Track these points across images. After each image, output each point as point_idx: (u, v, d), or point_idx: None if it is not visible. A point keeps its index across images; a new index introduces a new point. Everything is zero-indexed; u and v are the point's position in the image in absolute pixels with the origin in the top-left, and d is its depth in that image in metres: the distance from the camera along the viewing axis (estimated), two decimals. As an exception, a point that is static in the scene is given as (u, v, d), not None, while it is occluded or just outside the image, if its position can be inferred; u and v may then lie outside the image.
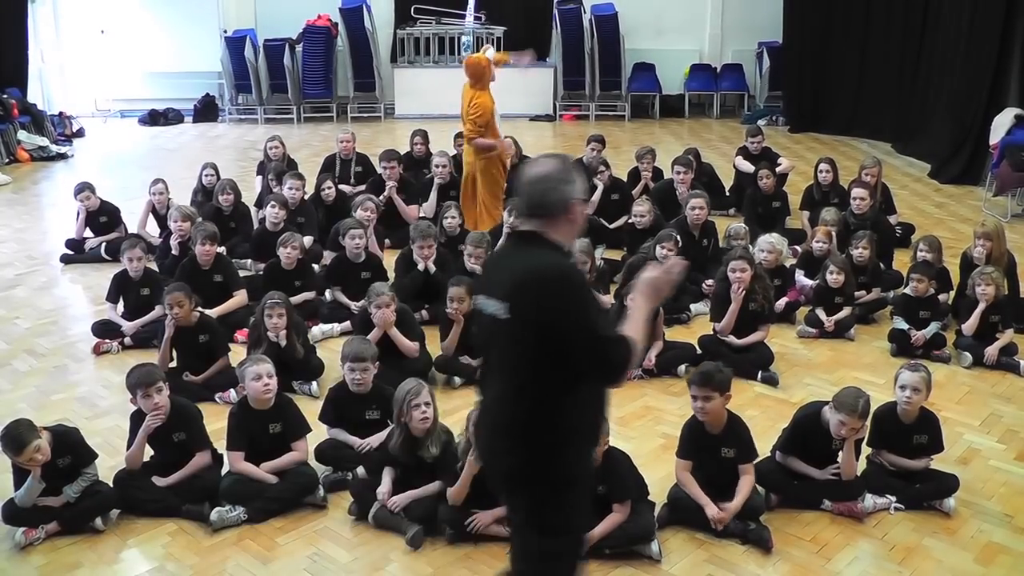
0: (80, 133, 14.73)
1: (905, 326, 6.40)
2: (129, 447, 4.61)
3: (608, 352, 2.83)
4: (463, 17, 15.49)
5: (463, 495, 4.28)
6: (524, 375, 2.88)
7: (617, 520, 4.18)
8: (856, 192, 7.98)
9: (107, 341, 6.50)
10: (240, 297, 6.76)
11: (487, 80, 8.20)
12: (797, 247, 8.08)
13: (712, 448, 4.39)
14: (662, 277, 3.04)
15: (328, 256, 7.59)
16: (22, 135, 13.12)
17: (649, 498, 4.41)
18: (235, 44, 15.04)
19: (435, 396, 4.55)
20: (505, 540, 4.24)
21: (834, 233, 7.50)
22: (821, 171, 8.88)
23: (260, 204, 8.45)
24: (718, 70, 16.36)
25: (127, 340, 6.51)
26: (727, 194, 9.78)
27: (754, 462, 4.47)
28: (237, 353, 5.86)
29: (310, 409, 5.02)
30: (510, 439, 2.94)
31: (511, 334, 2.88)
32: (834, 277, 6.72)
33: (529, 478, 2.92)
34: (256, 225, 8.19)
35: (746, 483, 4.37)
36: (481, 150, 8.25)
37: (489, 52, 8.64)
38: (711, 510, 4.28)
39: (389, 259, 7.47)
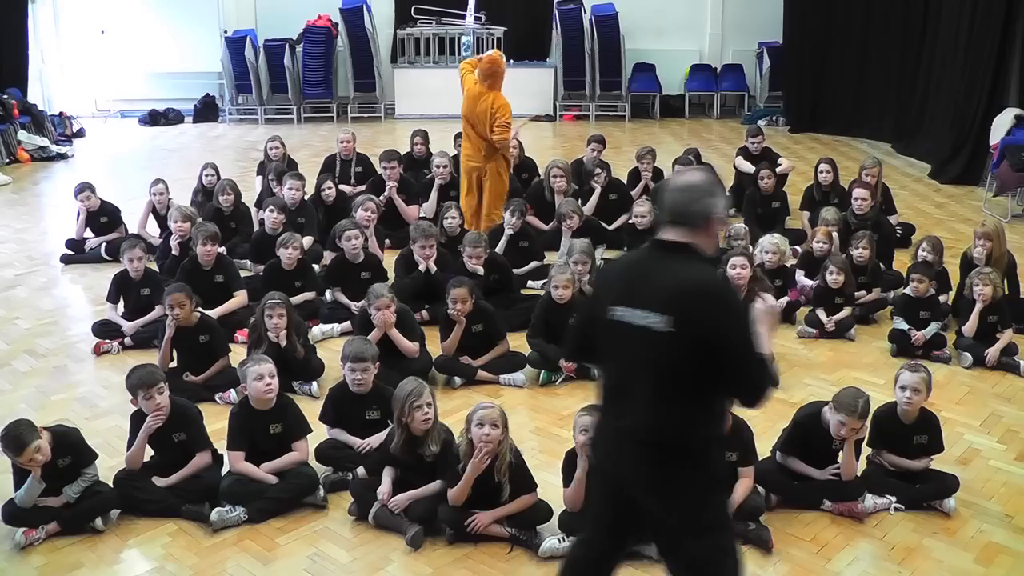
0: (80, 133, 14.73)
1: (905, 326, 6.40)
2: (129, 447, 4.61)
3: (762, 371, 2.91)
4: (463, 17, 15.49)
5: (464, 497, 4.27)
6: (678, 386, 2.89)
7: None
8: (857, 192, 7.98)
9: (107, 341, 6.50)
10: (240, 297, 6.76)
11: (502, 81, 8.10)
12: (797, 247, 8.08)
13: None
14: (774, 310, 3.25)
15: (328, 256, 7.59)
16: (22, 135, 13.12)
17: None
18: (235, 44, 15.04)
19: (435, 396, 4.54)
20: (504, 540, 4.27)
21: (834, 233, 7.50)
22: (821, 171, 8.88)
23: (260, 204, 8.45)
24: (718, 70, 16.35)
25: (127, 340, 6.51)
26: (727, 194, 9.77)
27: (754, 464, 4.47)
28: (237, 353, 5.86)
29: (310, 409, 5.02)
30: (663, 448, 2.93)
31: (670, 346, 2.85)
32: (834, 277, 6.72)
33: (686, 484, 2.95)
34: (256, 226, 8.19)
35: (743, 485, 4.36)
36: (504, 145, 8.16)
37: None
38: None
39: (389, 259, 7.47)
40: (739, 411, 5.30)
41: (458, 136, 9.69)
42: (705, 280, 2.91)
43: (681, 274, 2.90)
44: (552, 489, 4.43)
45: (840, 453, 4.50)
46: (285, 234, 6.99)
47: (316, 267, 7.45)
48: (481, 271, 6.83)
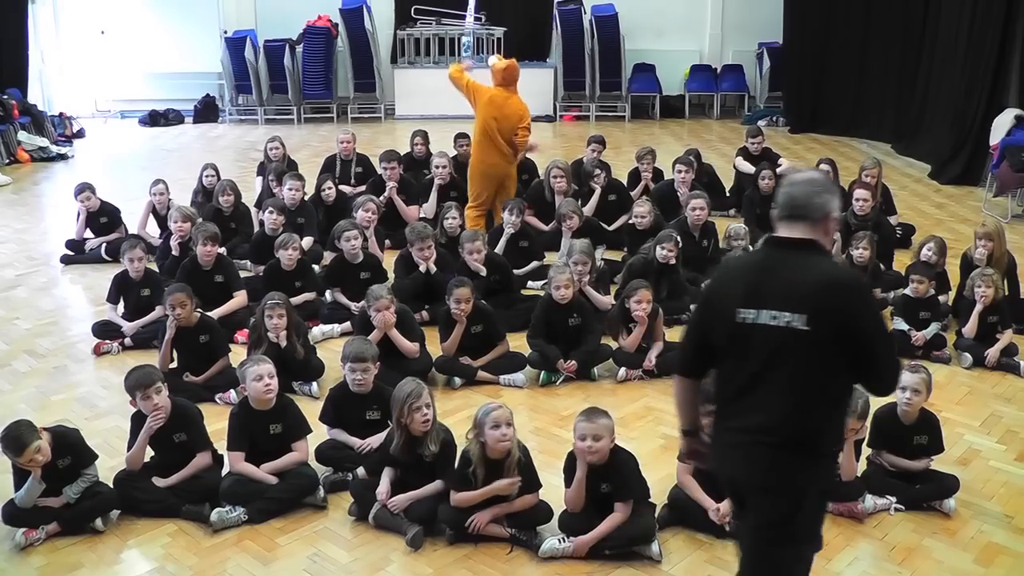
0: (80, 134, 14.73)
1: (905, 327, 6.40)
2: (130, 448, 4.61)
3: (896, 360, 3.01)
4: (463, 18, 15.50)
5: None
6: (819, 384, 2.91)
7: (618, 520, 4.18)
8: (859, 193, 7.98)
9: (107, 342, 6.50)
10: (240, 298, 6.76)
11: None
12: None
13: None
14: None
15: (328, 257, 7.59)
16: (22, 136, 13.13)
17: (650, 500, 4.41)
18: (235, 44, 15.04)
19: (434, 396, 4.54)
20: (504, 541, 4.27)
21: (834, 233, 7.49)
22: (821, 171, 8.87)
23: (260, 205, 8.45)
24: (718, 71, 16.37)
25: (127, 341, 6.51)
26: (727, 195, 9.79)
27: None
28: (237, 354, 5.86)
29: (310, 410, 5.02)
30: (789, 448, 2.92)
31: (812, 344, 2.86)
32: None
33: (815, 490, 2.98)
34: (256, 226, 8.19)
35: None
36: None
37: (492, 59, 8.72)
38: (715, 505, 4.28)
39: (389, 260, 7.47)
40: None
41: (459, 136, 9.72)
42: (841, 275, 3.01)
43: (814, 271, 2.92)
44: (553, 490, 4.43)
45: (840, 454, 4.50)
46: (284, 235, 6.99)
47: (316, 267, 7.45)
48: (483, 270, 6.82)
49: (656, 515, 4.37)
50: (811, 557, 3.09)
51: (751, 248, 7.04)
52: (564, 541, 4.20)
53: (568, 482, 4.28)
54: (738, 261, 3.24)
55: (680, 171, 8.76)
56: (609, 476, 4.20)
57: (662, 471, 4.67)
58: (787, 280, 2.91)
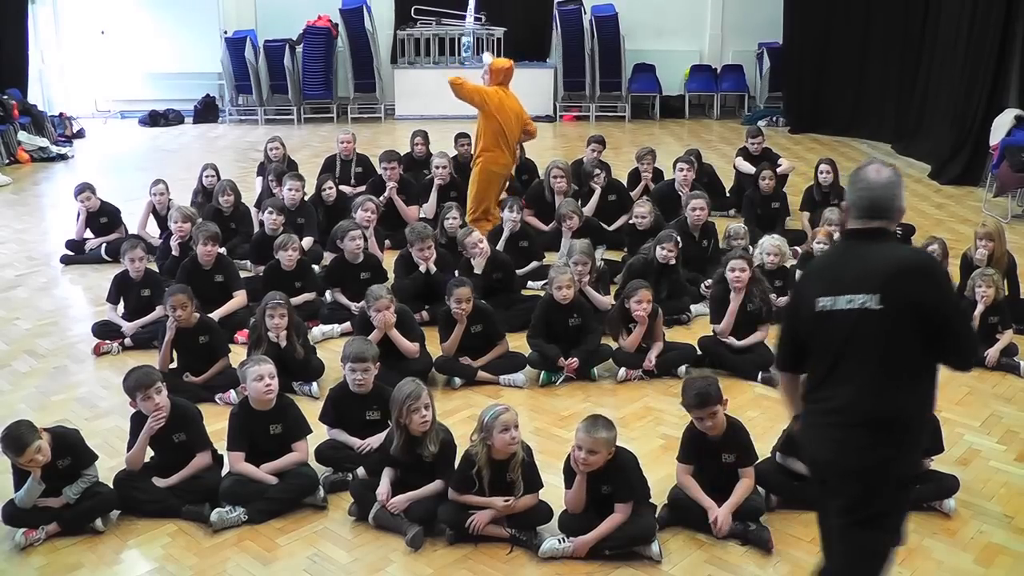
0: (80, 134, 14.74)
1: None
2: (129, 448, 4.61)
3: (973, 336, 3.19)
4: (463, 18, 15.51)
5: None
6: (897, 364, 2.97)
7: (617, 521, 4.18)
8: (857, 193, 7.97)
9: (107, 342, 6.50)
10: (240, 298, 6.77)
11: None
12: (797, 248, 8.08)
13: (713, 454, 4.39)
14: None
15: (328, 257, 7.59)
16: (22, 136, 13.14)
17: (650, 501, 4.41)
18: (235, 45, 15.05)
19: (433, 397, 4.53)
20: (504, 541, 4.26)
21: (836, 234, 7.49)
22: (821, 172, 8.89)
23: (260, 205, 8.45)
24: (718, 71, 16.38)
25: (127, 341, 6.51)
26: (727, 195, 9.79)
27: (754, 464, 4.47)
28: (237, 354, 5.86)
29: (310, 410, 5.02)
30: (878, 431, 2.97)
31: (887, 323, 2.96)
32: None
33: (895, 475, 3.02)
34: (256, 226, 8.20)
35: (744, 485, 4.37)
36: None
37: (487, 56, 8.77)
38: (714, 513, 4.29)
39: (389, 260, 7.47)
40: (736, 411, 5.30)
41: (459, 136, 9.72)
42: (912, 256, 3.26)
43: (886, 253, 3.06)
44: (553, 490, 4.43)
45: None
46: (283, 236, 6.99)
47: (316, 268, 7.45)
48: (482, 263, 6.82)
49: (656, 515, 4.37)
50: (889, 552, 3.10)
51: (750, 248, 7.03)
52: (564, 541, 4.20)
53: (568, 483, 4.28)
54: (821, 257, 3.36)
55: (682, 170, 8.77)
56: (610, 477, 4.20)
57: (662, 471, 4.67)
58: (861, 265, 3.03)
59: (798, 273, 7.23)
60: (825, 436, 3.07)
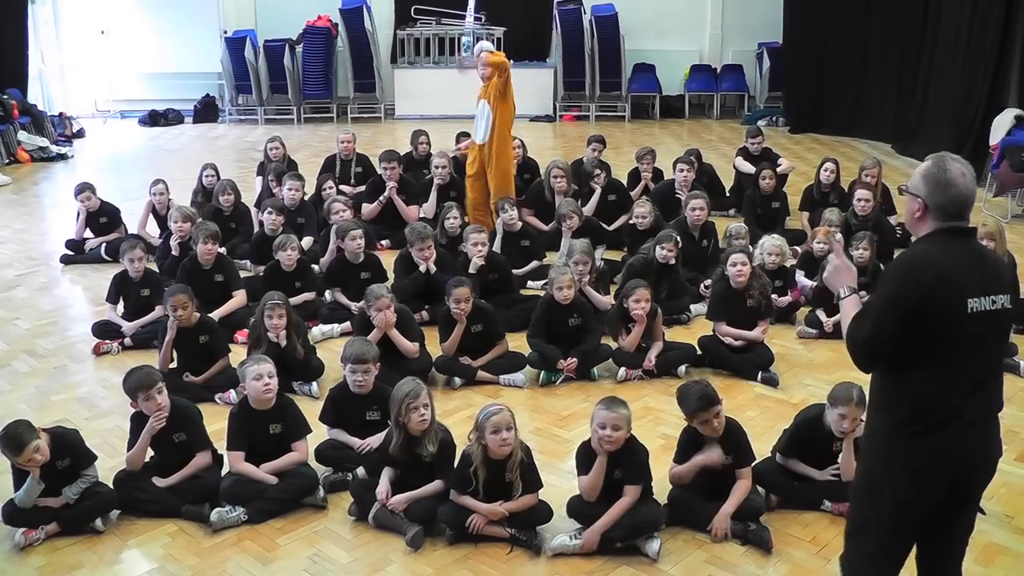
0: (80, 134, 14.75)
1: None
2: (130, 449, 4.60)
3: None
4: (463, 18, 15.51)
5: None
6: (1002, 360, 3.18)
7: (625, 505, 4.19)
8: (860, 193, 7.98)
9: (107, 342, 6.50)
10: (240, 297, 6.77)
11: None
12: (797, 247, 8.08)
13: None
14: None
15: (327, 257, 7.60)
16: (22, 136, 13.14)
17: (653, 496, 4.41)
18: (235, 45, 15.06)
19: (432, 397, 4.53)
20: (504, 541, 4.26)
21: (837, 234, 7.49)
22: (825, 170, 8.89)
23: (260, 205, 8.45)
24: (718, 71, 16.38)
25: (127, 341, 6.51)
26: (727, 195, 9.79)
27: (752, 464, 4.47)
28: (237, 354, 5.86)
29: (310, 410, 5.02)
30: (997, 422, 3.09)
31: (1009, 321, 3.13)
32: (834, 277, 6.70)
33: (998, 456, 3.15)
34: (256, 226, 8.20)
35: (742, 487, 4.37)
36: None
37: (487, 44, 8.74)
38: (716, 454, 4.31)
39: (389, 260, 7.47)
40: (735, 411, 5.30)
41: (461, 135, 9.73)
42: (1009, 257, 3.42)
43: (994, 256, 3.20)
44: (553, 489, 4.43)
45: (840, 454, 4.50)
46: (282, 236, 6.99)
47: (315, 267, 7.45)
48: (483, 260, 6.83)
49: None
50: None
51: (750, 248, 7.02)
52: (575, 538, 4.20)
53: (583, 470, 4.28)
54: (937, 255, 3.00)
55: (682, 170, 8.77)
56: (623, 461, 4.21)
57: (662, 471, 4.66)
58: (989, 265, 3.06)
59: (799, 273, 7.26)
60: (986, 437, 3.05)
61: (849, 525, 3.24)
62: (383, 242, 8.50)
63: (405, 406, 4.35)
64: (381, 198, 8.69)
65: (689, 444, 4.46)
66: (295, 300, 6.39)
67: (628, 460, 4.23)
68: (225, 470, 4.67)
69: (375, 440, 4.78)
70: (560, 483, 4.41)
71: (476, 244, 6.87)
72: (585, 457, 4.28)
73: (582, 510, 4.26)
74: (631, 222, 7.90)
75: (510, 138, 8.52)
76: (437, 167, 8.96)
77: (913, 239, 3.20)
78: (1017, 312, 5.83)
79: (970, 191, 3.03)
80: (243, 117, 15.80)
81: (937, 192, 3.00)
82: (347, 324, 6.63)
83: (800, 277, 7.28)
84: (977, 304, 2.95)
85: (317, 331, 6.66)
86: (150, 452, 4.66)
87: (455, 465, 4.41)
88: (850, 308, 3.13)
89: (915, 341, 2.94)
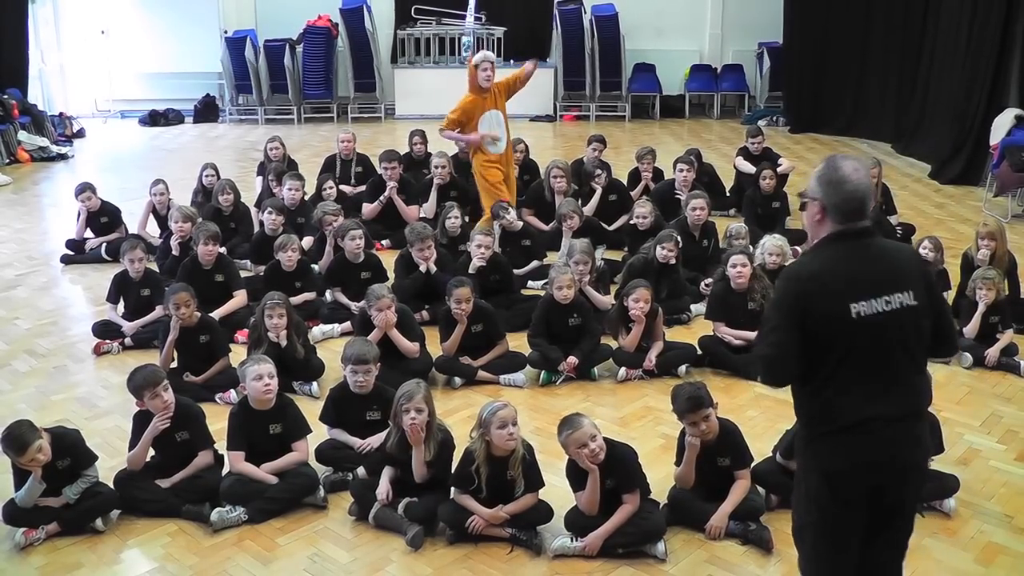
0: (80, 134, 14.74)
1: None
2: (131, 448, 4.60)
3: (953, 321, 3.26)
4: (463, 17, 15.51)
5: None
6: (921, 357, 3.06)
7: (628, 512, 4.19)
8: (863, 193, 7.97)
9: (107, 342, 6.50)
10: (240, 297, 6.77)
11: (474, 82, 8.20)
12: (798, 247, 8.07)
13: (708, 458, 4.39)
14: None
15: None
16: (22, 135, 13.13)
17: (651, 496, 4.41)
18: (235, 44, 15.05)
19: (432, 397, 4.51)
20: (504, 541, 4.26)
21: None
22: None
23: (260, 205, 8.46)
24: (718, 71, 16.37)
25: (127, 341, 6.51)
26: (727, 195, 9.79)
27: (752, 465, 4.47)
28: (237, 353, 5.86)
29: (310, 409, 5.02)
30: (922, 422, 3.08)
31: (918, 318, 3.00)
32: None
33: (926, 456, 3.22)
34: (256, 226, 8.19)
35: (740, 487, 4.38)
36: (453, 141, 8.59)
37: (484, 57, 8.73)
38: (696, 440, 4.32)
39: (389, 260, 7.47)
40: (736, 410, 5.30)
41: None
42: (915, 252, 3.33)
43: (900, 248, 3.15)
44: (553, 489, 4.43)
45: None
46: (283, 236, 6.99)
47: (315, 267, 7.45)
48: (483, 263, 6.82)
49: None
50: None
51: (750, 249, 7.02)
52: (576, 540, 4.20)
53: (576, 486, 4.27)
54: (817, 263, 3.03)
55: (682, 169, 8.77)
56: (612, 470, 4.21)
57: (662, 470, 4.67)
58: (884, 265, 2.99)
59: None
60: (898, 439, 2.99)
61: (792, 530, 3.26)
62: (383, 242, 8.50)
63: (399, 406, 4.35)
64: (381, 198, 8.69)
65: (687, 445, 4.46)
66: (295, 300, 6.39)
67: (617, 467, 4.22)
68: (226, 470, 4.67)
69: (375, 440, 4.78)
70: (560, 483, 4.41)
71: (480, 246, 6.86)
72: (574, 473, 4.27)
73: (580, 523, 4.25)
74: (631, 222, 7.90)
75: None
76: (437, 167, 8.96)
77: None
78: (1017, 312, 5.74)
79: (864, 186, 2.98)
80: (243, 117, 15.80)
81: (831, 192, 2.99)
82: (347, 324, 6.64)
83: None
84: (864, 308, 2.90)
85: (317, 331, 6.66)
86: (151, 451, 4.66)
87: (456, 464, 4.41)
88: None
89: (806, 349, 2.94)
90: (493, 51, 14.73)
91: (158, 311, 6.49)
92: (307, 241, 7.77)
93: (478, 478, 4.27)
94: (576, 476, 4.26)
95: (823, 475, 3.02)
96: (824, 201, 3.01)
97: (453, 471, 4.40)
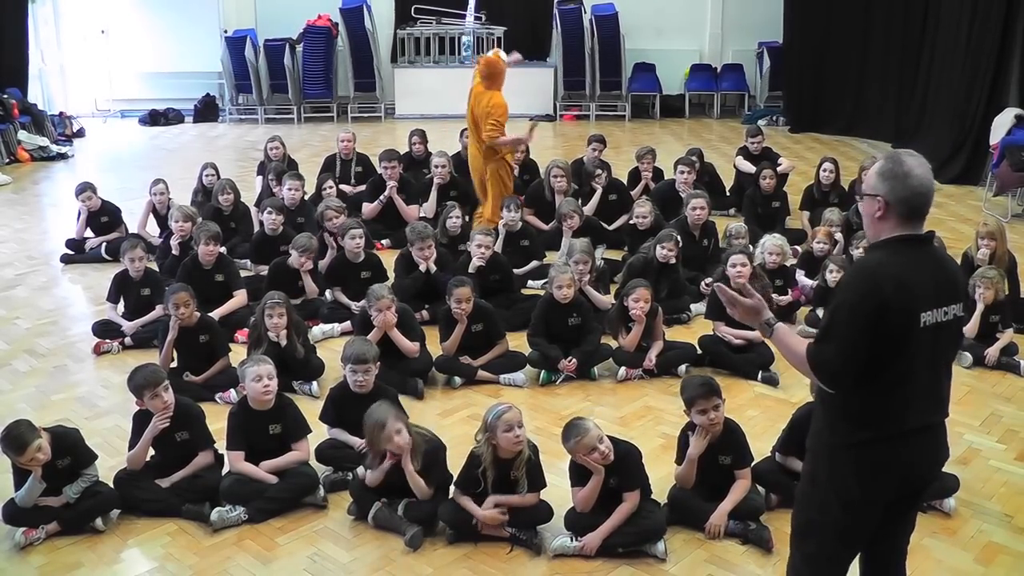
0: (80, 133, 14.74)
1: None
2: (131, 448, 4.60)
3: None
4: (463, 17, 15.51)
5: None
6: (949, 366, 3.13)
7: (627, 511, 4.19)
8: (867, 193, 7.97)
9: (107, 341, 6.49)
10: (240, 297, 6.77)
11: (502, 80, 8.24)
12: (797, 247, 8.08)
13: (710, 456, 4.40)
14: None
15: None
16: (22, 135, 13.13)
17: (652, 496, 4.41)
18: (235, 44, 15.05)
19: (403, 413, 4.47)
20: (505, 540, 4.26)
21: (837, 234, 7.51)
22: (824, 170, 8.89)
23: (260, 204, 8.45)
24: (718, 70, 16.37)
25: (127, 340, 6.51)
26: (727, 194, 9.79)
27: (752, 464, 4.47)
28: (237, 353, 5.86)
29: (310, 409, 5.02)
30: (945, 428, 3.16)
31: (960, 328, 3.10)
32: (834, 276, 6.71)
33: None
34: (256, 226, 8.20)
35: (740, 487, 4.38)
36: (505, 146, 8.31)
37: (500, 54, 8.73)
38: (701, 441, 4.33)
39: (389, 259, 7.47)
40: (736, 410, 5.31)
41: (465, 131, 9.74)
42: (954, 259, 3.23)
43: (949, 259, 3.14)
44: (553, 489, 4.42)
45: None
46: (302, 237, 6.98)
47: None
48: (483, 263, 6.82)
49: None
50: None
51: (750, 248, 7.02)
52: (575, 540, 4.20)
53: (577, 483, 4.27)
54: (891, 267, 2.90)
55: (682, 171, 8.77)
56: (616, 468, 4.21)
57: (662, 470, 4.67)
58: (943, 274, 2.99)
59: (799, 273, 7.26)
60: (935, 445, 3.10)
61: (793, 528, 3.21)
62: (383, 241, 8.50)
63: (373, 435, 4.32)
64: (381, 197, 8.69)
65: (687, 444, 4.46)
66: (296, 299, 6.39)
67: (621, 466, 4.22)
68: (226, 469, 4.67)
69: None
70: (560, 483, 4.41)
71: (480, 246, 6.86)
72: (577, 471, 4.27)
73: (580, 522, 4.25)
74: (631, 222, 7.90)
75: (470, 138, 8.56)
76: (437, 166, 8.96)
77: (868, 245, 3.10)
78: (1017, 311, 5.74)
79: (929, 182, 2.94)
80: (243, 116, 15.79)
81: (898, 186, 2.89)
82: (347, 323, 6.64)
83: (800, 277, 7.28)
84: (930, 316, 2.89)
85: (317, 330, 6.66)
86: (151, 451, 4.66)
87: (442, 467, 4.43)
88: (789, 337, 3.03)
89: (873, 352, 2.86)
90: (491, 50, 14.73)
91: (158, 311, 6.49)
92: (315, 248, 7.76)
93: (484, 481, 4.26)
94: (579, 474, 4.26)
95: (856, 476, 2.97)
96: (888, 197, 2.90)
97: (458, 474, 4.39)
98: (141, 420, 4.61)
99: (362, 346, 4.97)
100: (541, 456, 4.50)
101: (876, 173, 2.96)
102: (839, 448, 3.02)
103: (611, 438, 4.26)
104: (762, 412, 5.55)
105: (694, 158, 9.19)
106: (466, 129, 9.57)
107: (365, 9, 15.20)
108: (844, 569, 3.12)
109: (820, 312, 6.75)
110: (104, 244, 8.42)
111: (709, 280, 7.00)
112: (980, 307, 6.25)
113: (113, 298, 6.70)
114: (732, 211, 9.42)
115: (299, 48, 15.36)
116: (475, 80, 8.37)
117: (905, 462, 2.99)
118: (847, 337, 2.86)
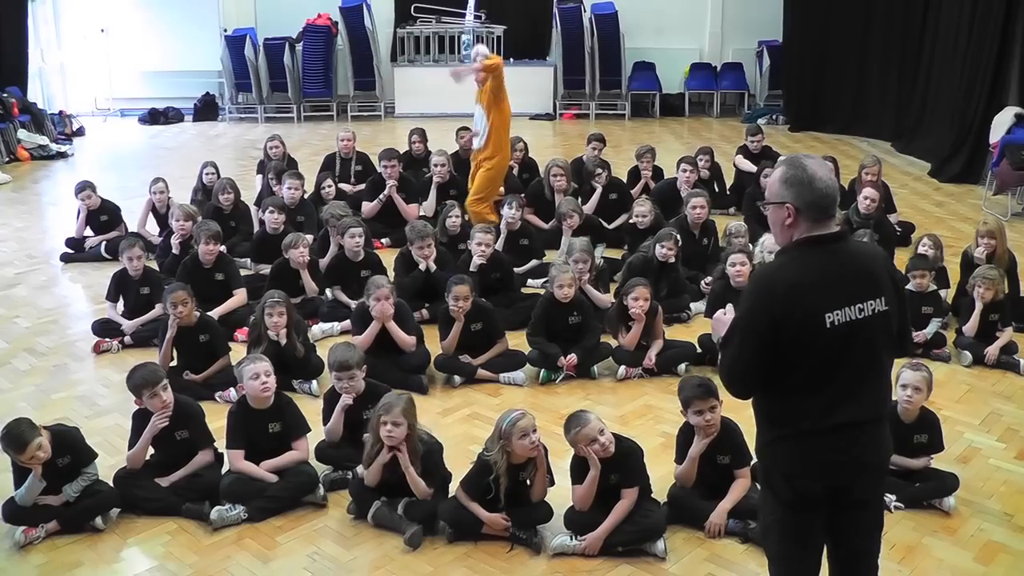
0: (80, 132, 14.74)
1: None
2: (131, 447, 4.60)
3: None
4: (463, 16, 15.49)
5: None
6: (887, 360, 3.06)
7: (625, 508, 4.20)
8: (866, 192, 7.97)
9: (107, 340, 6.49)
10: (240, 296, 6.77)
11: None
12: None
13: (709, 455, 4.40)
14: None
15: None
16: (22, 134, 13.13)
17: (652, 495, 4.41)
18: (235, 43, 15.04)
19: (414, 411, 4.44)
20: (504, 539, 4.27)
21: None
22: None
23: (260, 203, 8.45)
24: (718, 69, 16.35)
25: (127, 339, 6.51)
26: (727, 193, 9.78)
27: (751, 463, 4.47)
28: (237, 352, 5.86)
29: (310, 408, 5.03)
30: (885, 426, 3.08)
31: (889, 322, 2.98)
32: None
33: (888, 455, 3.19)
34: (256, 225, 8.19)
35: (740, 486, 4.39)
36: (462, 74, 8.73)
37: (482, 48, 8.78)
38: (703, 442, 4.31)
39: (389, 258, 7.47)
40: (735, 409, 5.31)
41: (461, 130, 9.74)
42: (884, 254, 3.18)
43: (871, 252, 3.11)
44: (553, 489, 4.42)
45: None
46: (293, 235, 6.97)
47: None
48: (484, 261, 6.81)
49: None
50: None
51: (751, 247, 7.02)
52: (575, 539, 4.20)
53: (577, 480, 4.28)
54: (789, 271, 2.94)
55: (685, 171, 8.78)
56: (618, 465, 4.21)
57: (662, 469, 4.67)
58: (854, 270, 2.94)
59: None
60: (864, 444, 2.99)
61: (759, 530, 3.27)
62: (383, 240, 8.50)
63: (377, 417, 4.34)
64: (381, 196, 8.69)
65: (686, 443, 4.46)
66: (296, 298, 6.39)
67: (622, 463, 4.23)
68: (225, 468, 4.68)
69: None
70: (561, 482, 4.41)
71: (481, 244, 6.86)
72: (579, 468, 4.27)
73: (580, 521, 4.25)
74: (631, 221, 7.90)
75: (507, 143, 8.64)
76: (437, 165, 8.96)
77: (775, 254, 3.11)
78: (1017, 310, 5.74)
79: (833, 182, 2.94)
80: (243, 115, 15.78)
81: (804, 191, 2.90)
82: (347, 322, 6.63)
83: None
84: (838, 316, 2.86)
85: (317, 329, 6.66)
86: (151, 450, 4.66)
87: (441, 466, 4.45)
88: None
89: (776, 359, 2.88)
90: (493, 50, 14.73)
91: (158, 309, 6.49)
92: (307, 239, 7.76)
93: (496, 488, 4.25)
94: (580, 471, 4.26)
95: (785, 476, 3.02)
96: (796, 203, 2.92)
97: (464, 477, 4.37)
98: (141, 419, 4.61)
99: (345, 352, 4.92)
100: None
101: (780, 181, 2.97)
102: (765, 448, 3.09)
103: (615, 435, 4.26)
104: (762, 411, 5.54)
105: (696, 158, 9.18)
106: (463, 128, 9.59)
107: (365, 8, 15.20)
108: (811, 569, 3.12)
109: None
110: (104, 243, 8.42)
111: (709, 279, 7.00)
112: (979, 306, 6.26)
113: (112, 297, 6.70)
114: (732, 210, 9.42)
115: (299, 47, 15.35)
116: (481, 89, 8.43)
117: (829, 459, 2.97)
118: (744, 344, 2.94)
